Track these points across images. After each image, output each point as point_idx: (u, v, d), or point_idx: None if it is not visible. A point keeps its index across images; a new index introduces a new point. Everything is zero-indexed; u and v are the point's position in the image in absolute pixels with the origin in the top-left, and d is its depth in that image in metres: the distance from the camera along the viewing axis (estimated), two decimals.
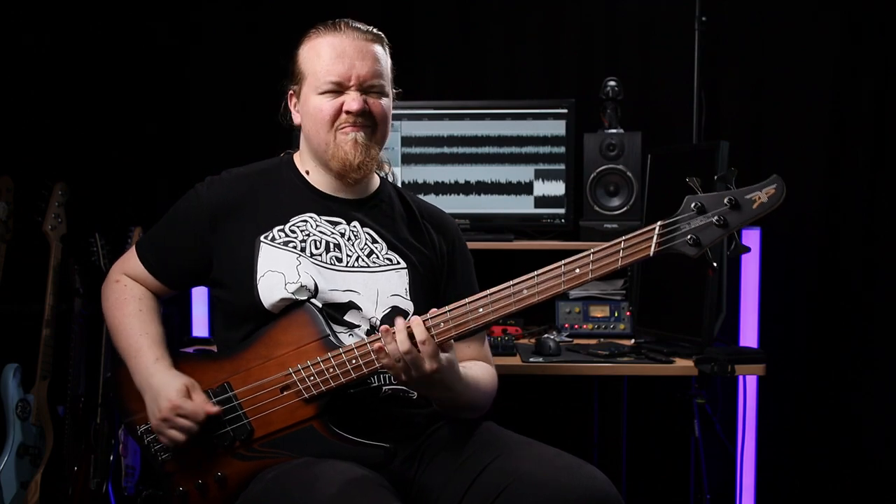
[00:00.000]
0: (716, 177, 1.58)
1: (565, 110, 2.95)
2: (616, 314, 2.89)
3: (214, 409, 1.72)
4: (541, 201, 2.96)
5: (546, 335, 2.67)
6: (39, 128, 3.24)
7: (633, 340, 2.72)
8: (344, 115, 1.80)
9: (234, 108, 3.25)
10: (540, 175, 2.96)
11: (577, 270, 1.59)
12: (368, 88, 1.81)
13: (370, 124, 1.81)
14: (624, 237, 1.57)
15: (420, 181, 2.98)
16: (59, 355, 2.87)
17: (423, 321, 1.62)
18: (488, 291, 1.63)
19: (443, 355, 1.63)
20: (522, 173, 2.96)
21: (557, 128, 2.95)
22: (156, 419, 1.74)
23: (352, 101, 1.79)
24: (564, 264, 1.59)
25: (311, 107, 1.82)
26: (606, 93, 2.94)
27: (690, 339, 2.54)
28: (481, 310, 1.63)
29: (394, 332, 1.61)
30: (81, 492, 2.78)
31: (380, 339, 1.63)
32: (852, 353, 3.13)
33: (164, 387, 1.73)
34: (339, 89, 1.80)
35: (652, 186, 2.81)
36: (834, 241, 3.14)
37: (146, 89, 3.29)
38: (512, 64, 3.28)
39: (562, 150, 2.95)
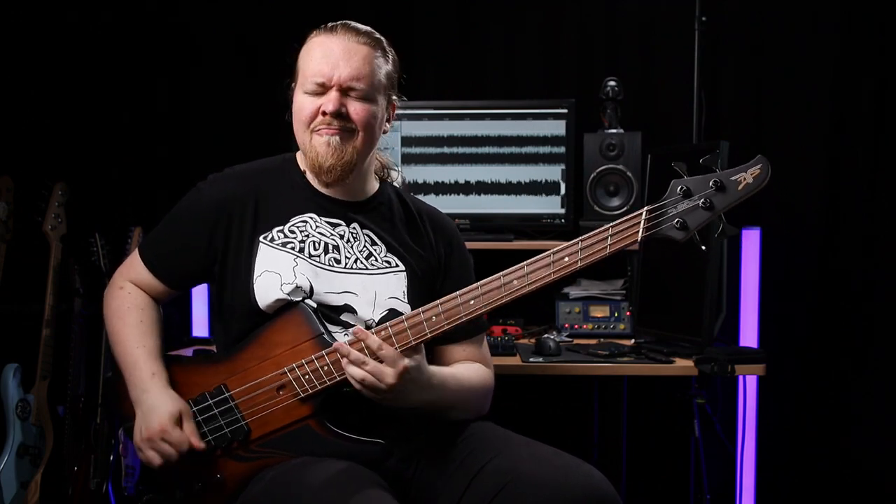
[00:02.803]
0: (701, 160, 1.58)
1: (565, 110, 2.95)
2: (616, 314, 2.88)
3: (200, 444, 1.71)
4: (541, 201, 2.96)
5: (546, 335, 2.67)
6: (39, 128, 3.24)
7: (633, 340, 2.72)
8: (320, 117, 1.77)
9: (234, 108, 3.25)
10: (540, 175, 2.96)
11: (566, 259, 1.58)
12: (348, 90, 1.77)
13: (348, 128, 1.78)
14: (611, 224, 1.57)
15: (420, 181, 2.98)
16: (59, 355, 2.87)
17: (412, 317, 1.64)
18: (478, 284, 1.63)
19: (406, 356, 1.63)
20: (522, 173, 2.96)
21: (557, 128, 2.95)
22: (140, 436, 1.73)
23: (329, 101, 1.76)
24: (553, 253, 1.59)
25: (296, 105, 1.81)
26: (606, 93, 2.94)
27: (690, 339, 2.54)
28: (472, 302, 1.63)
29: (347, 353, 1.61)
30: (81, 492, 2.78)
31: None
32: (852, 353, 3.12)
33: (157, 407, 1.73)
34: (321, 90, 1.77)
35: (652, 186, 2.80)
36: (834, 241, 3.13)
37: (146, 89, 3.29)
38: (512, 64, 3.28)
39: (562, 150, 2.95)
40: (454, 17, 3.28)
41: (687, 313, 2.56)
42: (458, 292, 1.64)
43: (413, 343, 1.65)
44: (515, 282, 1.61)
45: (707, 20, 2.95)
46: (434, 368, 1.72)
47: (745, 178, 1.54)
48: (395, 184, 2.00)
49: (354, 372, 1.61)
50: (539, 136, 2.96)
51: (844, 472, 3.14)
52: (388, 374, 1.60)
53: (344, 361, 1.62)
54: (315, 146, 1.79)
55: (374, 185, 1.93)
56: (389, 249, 1.86)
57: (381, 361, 1.61)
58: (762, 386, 2.96)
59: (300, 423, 1.70)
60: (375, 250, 1.85)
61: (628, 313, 2.86)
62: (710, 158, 1.57)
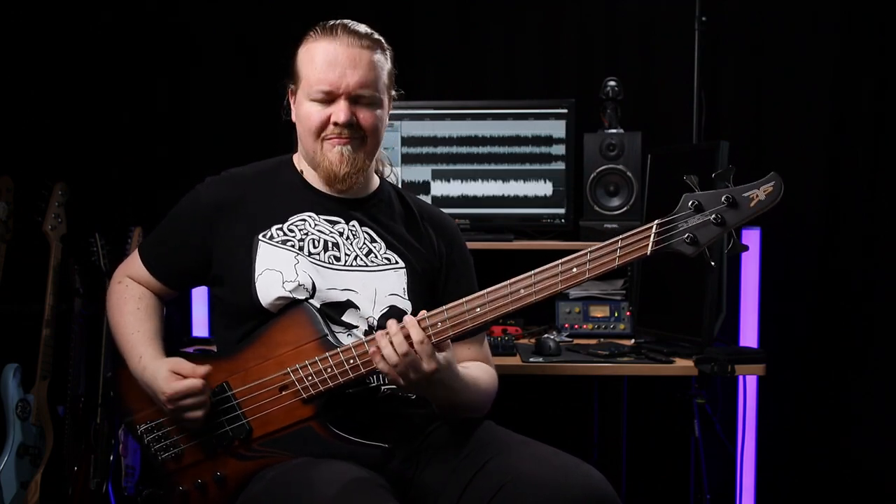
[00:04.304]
0: (713, 174, 1.57)
1: (565, 110, 2.95)
2: (616, 314, 2.88)
3: (206, 369, 1.71)
4: (541, 201, 2.96)
5: (546, 335, 2.67)
6: (39, 128, 3.24)
7: (633, 340, 2.72)
8: (331, 127, 1.78)
9: (234, 108, 3.25)
10: (539, 175, 2.96)
11: (575, 270, 1.58)
12: (358, 98, 1.78)
13: (358, 136, 1.79)
14: (621, 236, 1.56)
15: (420, 181, 2.98)
16: (59, 355, 2.87)
17: (419, 321, 1.63)
18: (485, 291, 1.63)
19: (440, 354, 1.63)
20: (522, 173, 2.96)
21: (557, 128, 2.95)
22: (167, 415, 1.75)
23: (339, 111, 1.76)
24: (561, 263, 1.59)
25: (302, 112, 1.82)
26: (606, 93, 2.94)
27: (690, 339, 2.54)
28: (479, 309, 1.62)
29: (389, 336, 1.61)
30: (81, 492, 2.78)
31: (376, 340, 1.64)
32: (852, 353, 3.12)
33: (155, 380, 1.74)
34: (328, 98, 1.77)
35: (652, 186, 2.81)
36: (834, 241, 3.14)
37: (146, 89, 3.29)
38: (512, 64, 3.28)
39: (562, 150, 2.95)
40: (454, 17, 3.28)
41: (687, 313, 2.56)
42: (464, 299, 1.63)
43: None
44: (522, 290, 1.60)
45: (707, 20, 2.95)
46: (459, 370, 1.72)
47: (757, 195, 1.53)
48: (389, 178, 2.00)
49: (390, 355, 1.60)
50: (539, 136, 2.96)
51: (844, 472, 3.14)
52: (423, 369, 1.60)
53: (384, 343, 1.61)
54: (327, 156, 1.79)
55: (374, 183, 1.94)
56: (389, 246, 1.86)
57: (418, 353, 1.60)
58: (762, 386, 2.96)
59: (302, 423, 1.70)
60: (375, 247, 1.85)
61: (628, 313, 2.86)
62: (723, 173, 1.55)
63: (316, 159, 1.82)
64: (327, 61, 1.77)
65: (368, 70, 1.78)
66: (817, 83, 3.13)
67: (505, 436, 1.75)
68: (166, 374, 1.72)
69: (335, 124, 1.77)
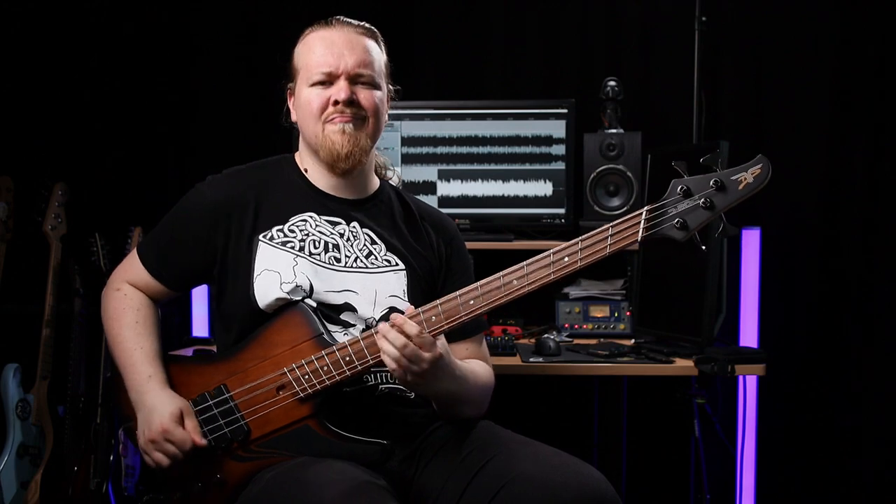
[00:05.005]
0: (701, 159, 1.57)
1: (565, 110, 2.95)
2: (616, 314, 2.88)
3: (202, 441, 1.71)
4: (541, 201, 2.96)
5: (546, 335, 2.66)
6: (39, 128, 3.24)
7: (633, 340, 2.72)
8: (332, 107, 1.80)
9: (234, 109, 3.25)
10: (539, 175, 2.96)
11: (567, 259, 1.58)
12: (357, 78, 1.81)
13: (360, 115, 1.81)
14: (611, 224, 1.57)
15: (420, 181, 2.98)
16: (59, 355, 2.87)
17: (412, 317, 1.63)
18: (478, 283, 1.63)
19: (438, 342, 1.64)
20: (522, 173, 2.96)
21: (557, 128, 2.95)
22: (144, 438, 1.73)
23: (339, 90, 1.79)
24: (553, 253, 1.59)
25: (302, 99, 1.83)
26: (606, 93, 2.94)
27: (690, 339, 2.54)
28: (472, 302, 1.63)
29: (384, 333, 1.61)
30: (81, 492, 2.78)
31: (373, 335, 1.64)
32: (852, 353, 3.12)
33: (157, 408, 1.73)
34: (328, 80, 1.80)
35: (652, 186, 2.80)
36: (834, 241, 3.13)
37: (147, 89, 3.29)
38: (512, 64, 3.28)
39: (562, 150, 2.95)
40: (454, 17, 3.28)
41: (687, 313, 2.56)
42: (457, 292, 1.64)
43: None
44: (515, 281, 1.61)
45: (707, 20, 2.95)
46: (457, 361, 1.73)
47: (745, 178, 1.54)
48: (393, 181, 2.01)
49: (390, 350, 1.60)
50: (539, 136, 2.96)
51: (844, 472, 3.14)
52: (425, 357, 1.61)
53: (381, 340, 1.62)
54: (329, 135, 1.80)
55: (374, 184, 1.94)
56: (389, 248, 1.86)
57: (417, 344, 1.61)
58: (762, 386, 2.96)
59: (300, 423, 1.70)
60: (375, 249, 1.85)
61: (628, 313, 2.86)
62: (711, 158, 1.56)
63: (318, 142, 1.82)
64: (325, 46, 1.81)
65: (365, 52, 1.82)
66: (817, 83, 3.12)
67: (505, 436, 1.75)
68: (175, 412, 1.71)
69: (336, 103, 1.79)
